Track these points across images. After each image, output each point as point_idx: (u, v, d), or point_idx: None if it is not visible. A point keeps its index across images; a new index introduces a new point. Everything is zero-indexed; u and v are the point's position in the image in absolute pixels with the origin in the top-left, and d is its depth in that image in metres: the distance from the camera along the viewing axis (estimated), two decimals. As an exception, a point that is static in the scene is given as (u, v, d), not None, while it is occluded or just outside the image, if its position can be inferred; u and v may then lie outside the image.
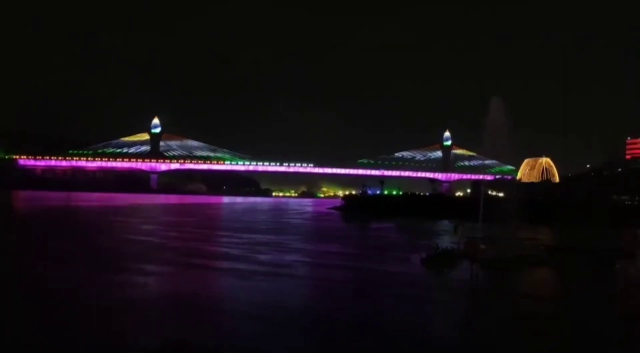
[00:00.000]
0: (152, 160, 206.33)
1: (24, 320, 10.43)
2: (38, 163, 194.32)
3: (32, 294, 12.77)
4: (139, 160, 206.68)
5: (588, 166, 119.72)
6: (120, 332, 9.76)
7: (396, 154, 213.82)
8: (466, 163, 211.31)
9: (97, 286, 13.87)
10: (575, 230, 41.31)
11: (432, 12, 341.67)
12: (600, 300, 14.54)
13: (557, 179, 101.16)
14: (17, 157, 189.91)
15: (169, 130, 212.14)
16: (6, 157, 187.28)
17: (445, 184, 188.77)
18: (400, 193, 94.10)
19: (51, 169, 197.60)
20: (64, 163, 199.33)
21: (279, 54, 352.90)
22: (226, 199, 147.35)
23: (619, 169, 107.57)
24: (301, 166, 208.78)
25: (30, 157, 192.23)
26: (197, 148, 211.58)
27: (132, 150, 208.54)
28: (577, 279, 18.20)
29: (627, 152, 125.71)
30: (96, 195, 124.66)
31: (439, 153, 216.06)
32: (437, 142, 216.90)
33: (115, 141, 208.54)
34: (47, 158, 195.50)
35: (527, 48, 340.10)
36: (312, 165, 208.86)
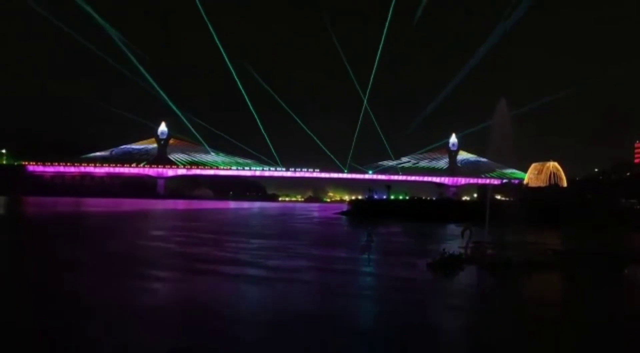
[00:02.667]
0: (159, 166, 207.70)
1: (37, 325, 10.60)
2: (47, 168, 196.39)
3: (41, 299, 12.96)
4: (146, 166, 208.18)
5: (596, 169, 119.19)
6: (130, 340, 9.87)
7: (402, 158, 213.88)
8: (473, 167, 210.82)
9: (106, 292, 14.04)
10: (584, 234, 41.06)
11: (438, 12, 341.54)
12: (609, 305, 14.51)
13: (564, 183, 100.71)
14: (26, 163, 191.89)
15: (176, 136, 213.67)
16: (15, 163, 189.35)
17: (451, 189, 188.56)
18: (407, 197, 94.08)
19: (60, 175, 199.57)
20: (72, 169, 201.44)
21: (289, 60, 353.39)
22: (233, 205, 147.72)
23: (628, 173, 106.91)
24: (307, 171, 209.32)
25: (39, 163, 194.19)
26: (204, 153, 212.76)
27: (139, 156, 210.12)
28: (585, 284, 18.14)
29: (636, 156, 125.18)
30: (104, 201, 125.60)
31: (446, 157, 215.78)
32: (443, 146, 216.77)
33: (123, 147, 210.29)
34: (56, 164, 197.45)
35: (534, 51, 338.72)
36: (318, 170, 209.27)
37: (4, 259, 20.62)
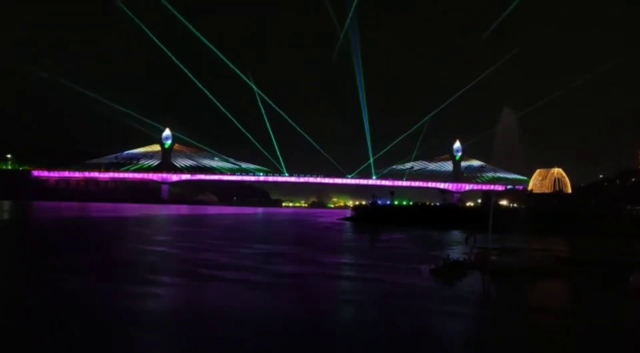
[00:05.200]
0: (164, 171, 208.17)
1: (44, 332, 10.73)
2: (51, 174, 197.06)
3: (47, 306, 13.09)
4: (150, 171, 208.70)
5: (601, 176, 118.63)
6: (135, 347, 9.98)
7: (406, 164, 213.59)
8: (477, 174, 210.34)
9: (111, 297, 14.16)
10: (588, 241, 40.96)
11: (444, 18, 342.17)
12: (612, 313, 14.51)
13: (569, 190, 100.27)
14: (31, 168, 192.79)
15: (180, 141, 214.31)
16: (20, 168, 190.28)
17: (456, 195, 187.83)
18: (411, 203, 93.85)
19: (64, 180, 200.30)
20: (76, 174, 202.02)
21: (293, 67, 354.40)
22: (237, 210, 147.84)
23: (632, 180, 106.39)
24: (311, 176, 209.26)
25: (44, 168, 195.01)
26: (208, 159, 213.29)
27: (143, 161, 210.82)
28: (589, 291, 18.13)
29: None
30: (108, 206, 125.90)
31: (450, 163, 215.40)
32: (448, 152, 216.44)
33: (127, 152, 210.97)
34: (61, 169, 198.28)
35: (537, 56, 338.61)
36: (321, 176, 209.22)
37: (11, 265, 20.79)
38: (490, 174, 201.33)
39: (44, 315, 11.90)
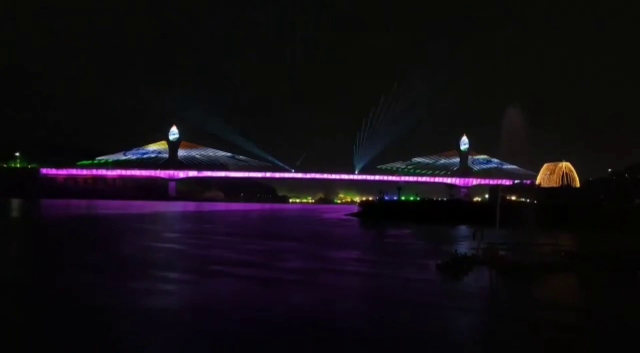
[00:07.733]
0: (170, 168, 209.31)
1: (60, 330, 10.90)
2: (60, 172, 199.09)
3: (62, 305, 13.28)
4: (157, 168, 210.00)
5: (610, 170, 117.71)
6: (147, 344, 10.11)
7: (413, 159, 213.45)
8: (484, 168, 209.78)
9: (123, 294, 14.33)
10: (597, 236, 40.75)
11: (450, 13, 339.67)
12: (624, 309, 14.48)
13: (577, 184, 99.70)
14: (39, 166, 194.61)
15: (186, 138, 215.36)
16: (29, 166, 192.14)
17: (463, 190, 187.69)
18: (418, 198, 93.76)
19: (72, 177, 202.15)
20: (84, 172, 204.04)
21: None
22: (244, 206, 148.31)
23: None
24: (317, 172, 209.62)
25: (52, 166, 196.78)
26: (215, 156, 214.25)
27: (151, 158, 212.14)
28: (600, 287, 18.08)
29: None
30: (116, 203, 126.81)
31: (457, 158, 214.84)
32: (454, 147, 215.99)
33: (135, 150, 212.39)
34: (69, 167, 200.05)
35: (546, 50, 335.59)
36: (328, 172, 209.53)
37: (23, 263, 21.05)
38: (497, 169, 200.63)
39: (53, 312, 12.08)
